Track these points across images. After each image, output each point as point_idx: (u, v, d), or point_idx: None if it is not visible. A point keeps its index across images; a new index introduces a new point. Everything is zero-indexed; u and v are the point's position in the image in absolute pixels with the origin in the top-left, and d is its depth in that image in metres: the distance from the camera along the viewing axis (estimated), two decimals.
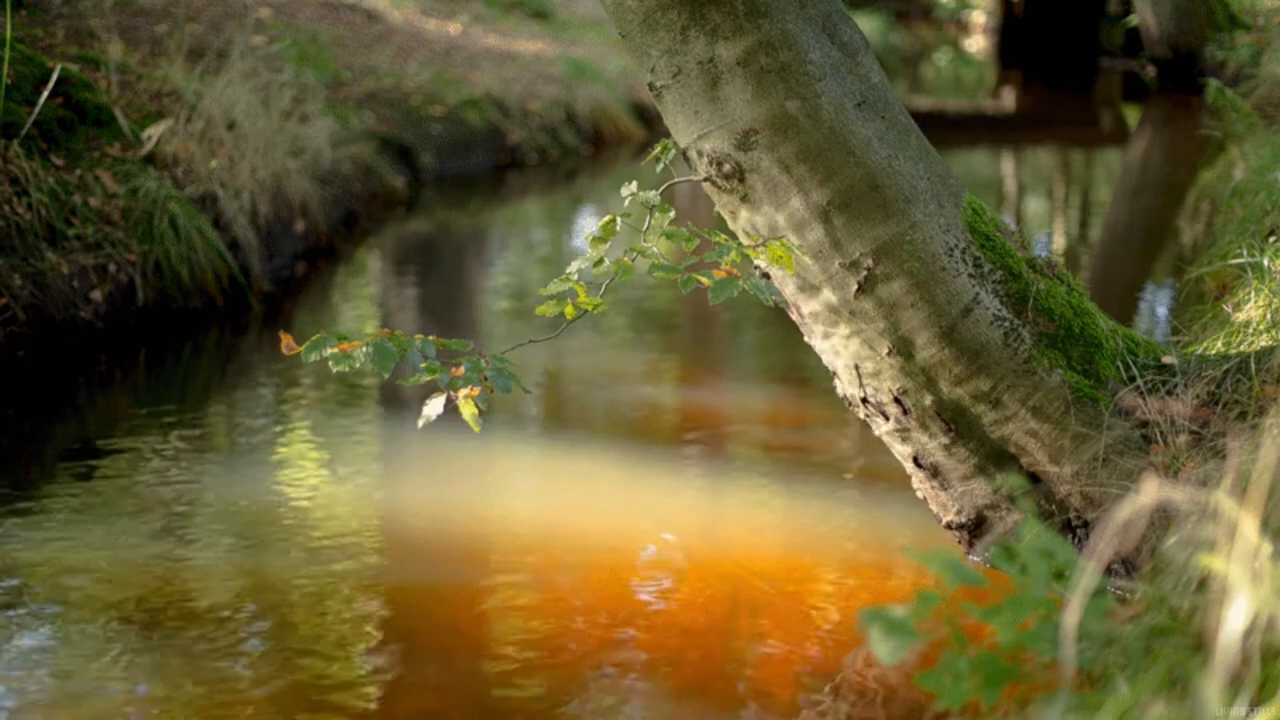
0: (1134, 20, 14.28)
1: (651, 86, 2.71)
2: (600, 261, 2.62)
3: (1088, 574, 1.47)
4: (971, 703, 1.54)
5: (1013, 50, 19.23)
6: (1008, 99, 15.67)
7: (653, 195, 2.65)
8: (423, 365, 2.40)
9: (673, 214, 2.66)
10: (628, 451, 4.06)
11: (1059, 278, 2.85)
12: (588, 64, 10.71)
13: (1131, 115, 13.74)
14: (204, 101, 6.00)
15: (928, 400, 2.82)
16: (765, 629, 2.99)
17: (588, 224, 8.18)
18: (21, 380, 4.49)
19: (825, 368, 2.97)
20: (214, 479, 3.78)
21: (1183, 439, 2.72)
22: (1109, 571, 2.72)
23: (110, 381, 4.75)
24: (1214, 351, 2.99)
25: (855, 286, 2.72)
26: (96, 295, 4.96)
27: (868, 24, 16.47)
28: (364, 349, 2.39)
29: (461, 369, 2.42)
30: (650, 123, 10.48)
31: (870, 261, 2.70)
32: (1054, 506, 2.86)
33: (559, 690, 2.69)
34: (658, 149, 2.82)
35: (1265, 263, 3.50)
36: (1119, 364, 2.84)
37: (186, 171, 5.69)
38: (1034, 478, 2.85)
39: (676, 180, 2.73)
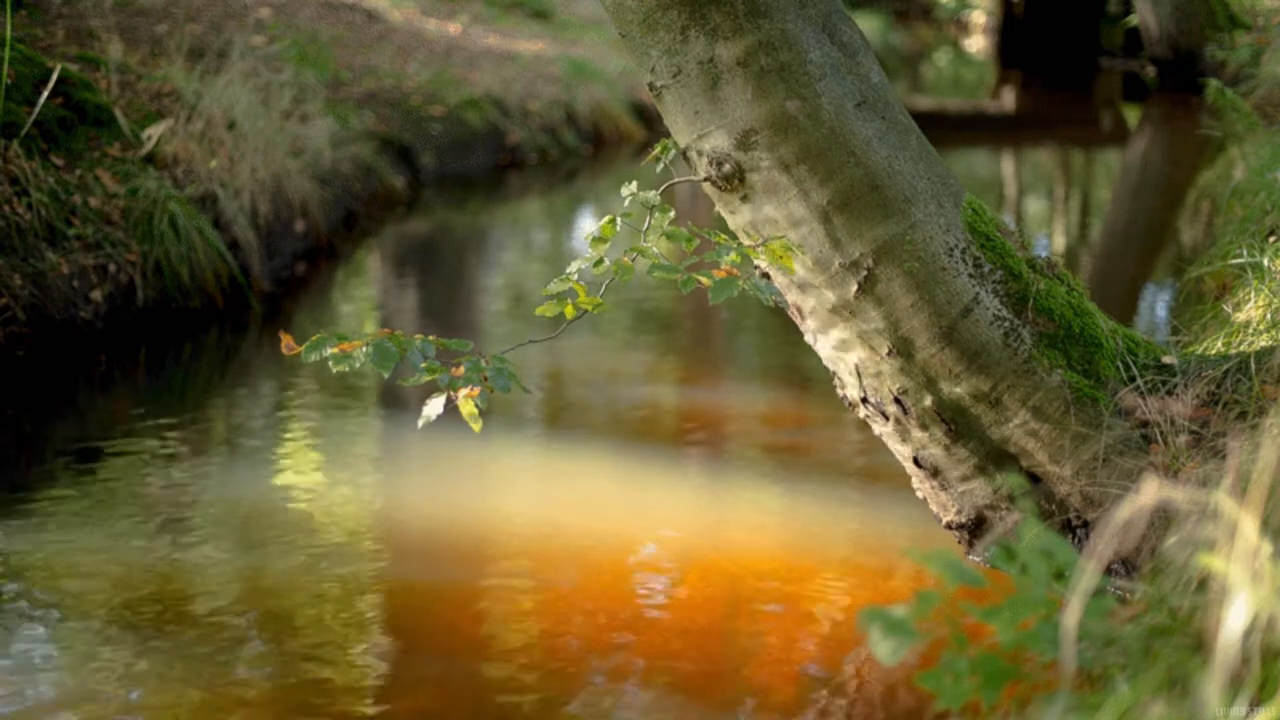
0: (1134, 20, 14.28)
1: (651, 86, 2.71)
2: (600, 261, 2.62)
3: (1088, 574, 1.47)
4: (971, 703, 1.54)
5: (1013, 50, 19.23)
6: (1008, 99, 15.67)
7: (653, 195, 2.65)
8: (423, 365, 2.40)
9: (673, 214, 2.66)
10: (628, 451, 4.06)
11: (1059, 278, 2.85)
12: (588, 64, 10.71)
13: (1131, 115, 13.73)
14: (204, 101, 6.00)
15: (928, 400, 2.82)
16: (765, 629, 2.99)
17: (588, 224, 8.18)
18: (21, 380, 4.49)
19: (825, 368, 2.97)
20: (214, 479, 3.78)
21: (1183, 439, 2.72)
22: (1109, 571, 2.72)
23: (110, 381, 4.75)
24: (1214, 351, 2.99)
25: (855, 286, 2.72)
26: (96, 295, 4.96)
27: (868, 24, 16.47)
28: (364, 349, 2.40)
29: (461, 369, 2.42)
30: (650, 123, 10.48)
31: (870, 261, 2.70)
32: (1054, 506, 2.86)
33: (559, 690, 2.69)
34: (658, 149, 2.82)
35: (1265, 263, 3.50)
36: (1119, 364, 2.84)
37: (186, 171, 5.69)
38: (1034, 478, 2.85)
39: (676, 180, 2.73)
